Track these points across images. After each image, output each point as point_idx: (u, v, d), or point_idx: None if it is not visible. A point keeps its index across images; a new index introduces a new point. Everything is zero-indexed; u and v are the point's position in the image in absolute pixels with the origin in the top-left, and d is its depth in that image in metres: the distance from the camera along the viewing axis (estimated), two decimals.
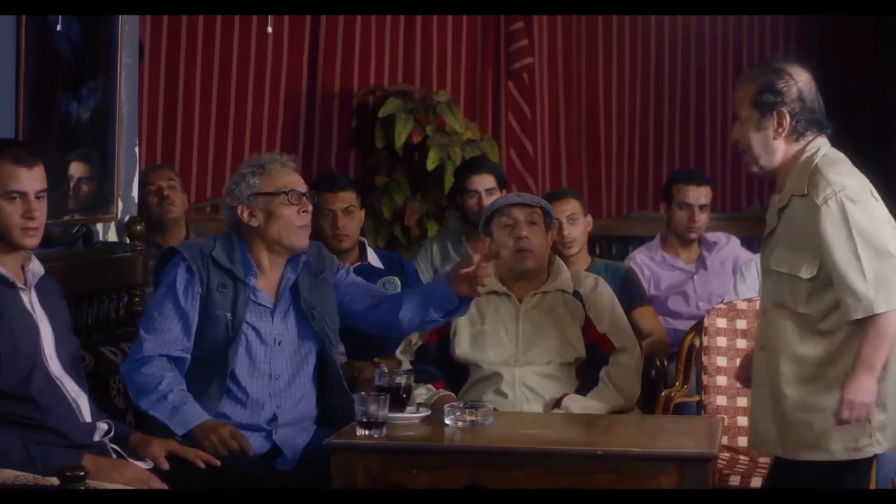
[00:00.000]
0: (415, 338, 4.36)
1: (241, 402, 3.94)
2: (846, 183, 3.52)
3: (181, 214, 5.61)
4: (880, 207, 3.57)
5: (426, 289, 4.14)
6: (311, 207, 4.00)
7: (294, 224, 3.95)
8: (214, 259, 3.94)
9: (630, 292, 4.80)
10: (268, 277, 4.01)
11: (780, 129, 3.58)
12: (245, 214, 3.98)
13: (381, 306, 4.08)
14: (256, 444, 3.88)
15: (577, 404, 4.16)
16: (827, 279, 3.50)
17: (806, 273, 3.52)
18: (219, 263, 3.94)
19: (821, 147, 3.61)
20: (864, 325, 3.46)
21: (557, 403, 4.18)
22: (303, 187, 3.99)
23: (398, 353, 4.39)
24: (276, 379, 3.97)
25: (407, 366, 4.30)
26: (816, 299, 3.53)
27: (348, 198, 5.05)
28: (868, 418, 3.49)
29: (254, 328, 3.96)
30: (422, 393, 4.16)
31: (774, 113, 3.56)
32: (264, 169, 3.98)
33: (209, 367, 3.92)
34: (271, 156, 4.05)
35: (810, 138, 3.60)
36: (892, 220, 3.58)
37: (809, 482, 3.53)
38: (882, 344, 3.47)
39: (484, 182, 5.36)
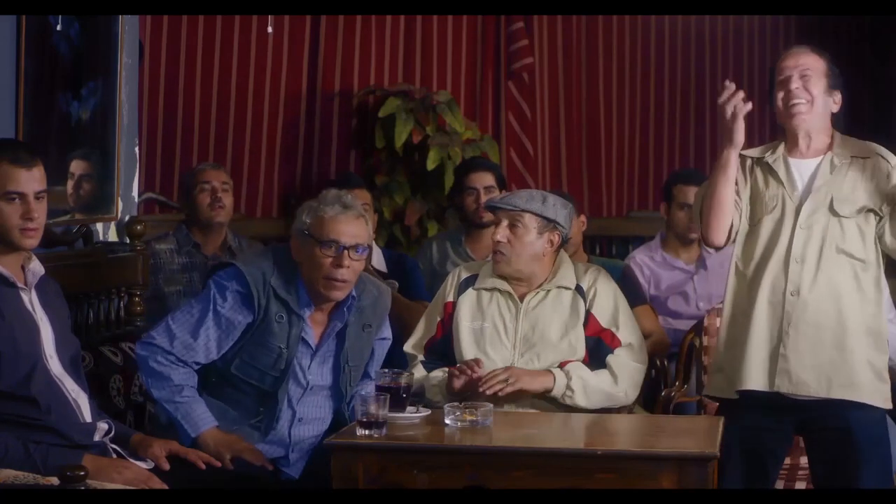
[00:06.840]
0: (421, 332, 4.35)
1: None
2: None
3: (227, 220, 5.32)
4: None
5: None
6: (354, 264, 3.85)
7: (324, 276, 3.84)
8: (274, 288, 3.86)
9: (627, 291, 4.80)
10: (315, 316, 3.94)
11: (835, 106, 3.91)
12: (294, 246, 3.92)
13: None
14: (266, 452, 3.87)
15: (579, 373, 4.13)
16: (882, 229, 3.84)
17: (882, 210, 3.81)
18: (277, 293, 3.87)
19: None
20: None
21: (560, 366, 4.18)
22: (353, 240, 3.84)
23: (407, 347, 4.36)
24: (299, 421, 3.93)
25: (420, 359, 4.30)
26: (874, 246, 3.84)
27: (362, 196, 5.02)
28: None
29: (298, 366, 3.90)
30: (437, 375, 4.18)
31: (835, 91, 3.90)
32: (319, 211, 3.87)
33: (258, 399, 3.89)
34: (336, 197, 3.90)
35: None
36: None
37: (873, 430, 3.81)
38: None
39: (483, 180, 5.39)
